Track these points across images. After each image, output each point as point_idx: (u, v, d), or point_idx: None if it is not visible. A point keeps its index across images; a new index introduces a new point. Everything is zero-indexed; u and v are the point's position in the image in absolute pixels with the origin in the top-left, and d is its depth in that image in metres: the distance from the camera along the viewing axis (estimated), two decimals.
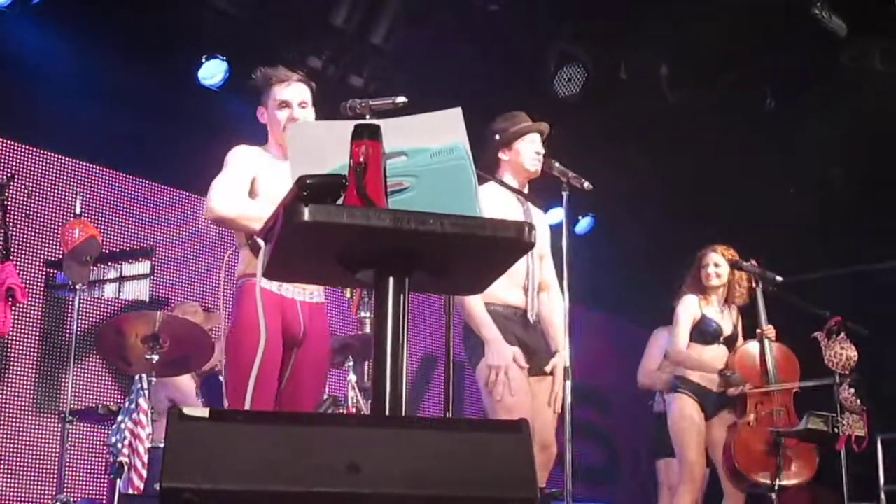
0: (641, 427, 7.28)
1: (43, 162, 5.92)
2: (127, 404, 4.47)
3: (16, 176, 5.16)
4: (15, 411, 5.59)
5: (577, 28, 6.47)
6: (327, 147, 2.07)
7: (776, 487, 5.20)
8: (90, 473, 5.66)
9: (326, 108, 3.58)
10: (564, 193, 4.37)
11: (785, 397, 5.42)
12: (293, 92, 3.74)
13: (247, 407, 2.72)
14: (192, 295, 6.30)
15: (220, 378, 4.03)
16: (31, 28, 5.53)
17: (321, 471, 1.80)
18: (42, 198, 5.81)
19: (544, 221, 4.74)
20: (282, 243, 2.03)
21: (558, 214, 4.66)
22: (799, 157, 7.20)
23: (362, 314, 5.64)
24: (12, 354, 5.60)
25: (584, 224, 7.93)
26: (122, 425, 4.37)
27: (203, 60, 6.00)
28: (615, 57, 6.66)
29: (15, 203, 5.24)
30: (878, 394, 5.79)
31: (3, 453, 5.48)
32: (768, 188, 7.52)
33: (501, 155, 4.55)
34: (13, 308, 4.56)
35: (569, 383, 4.20)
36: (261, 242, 3.45)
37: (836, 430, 5.16)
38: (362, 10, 6.06)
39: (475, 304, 4.29)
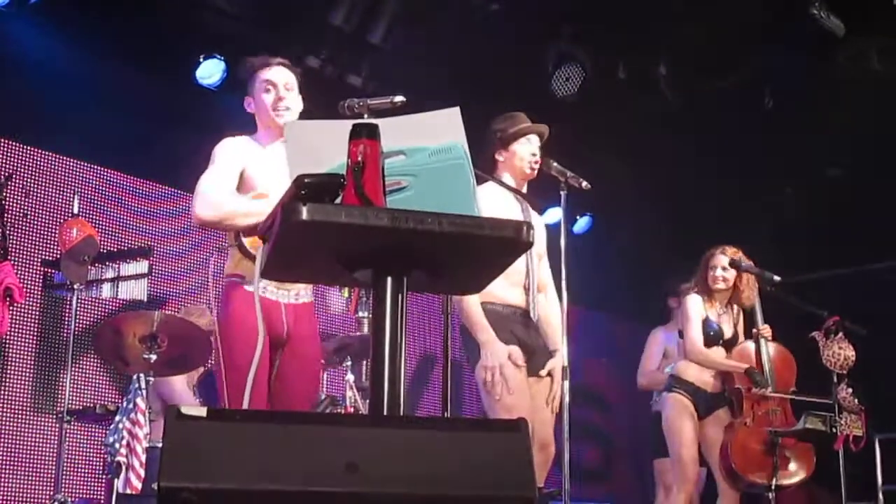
0: (639, 427, 7.28)
1: (41, 161, 5.92)
2: (125, 404, 4.46)
3: (13, 175, 5.15)
4: (12, 411, 5.58)
5: (575, 28, 6.47)
6: (325, 146, 2.07)
7: (773, 487, 5.20)
8: (88, 473, 5.66)
9: (324, 107, 3.57)
10: (562, 193, 4.37)
11: (782, 397, 5.42)
12: (277, 74, 3.73)
13: (245, 408, 2.72)
14: (189, 295, 6.30)
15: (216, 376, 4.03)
16: (29, 28, 5.53)
17: (319, 470, 1.80)
18: (40, 197, 5.81)
19: (541, 222, 4.73)
20: (280, 242, 2.03)
21: (556, 214, 4.66)
22: (797, 157, 7.20)
23: (360, 314, 5.65)
24: (10, 354, 5.60)
25: (582, 224, 7.93)
26: (120, 425, 4.37)
27: (201, 60, 6.00)
28: (613, 57, 6.66)
29: (12, 203, 5.23)
30: (876, 393, 5.78)
31: (0, 453, 5.48)
32: (767, 188, 7.53)
33: (498, 156, 4.55)
34: (11, 308, 4.55)
35: (567, 383, 4.20)
36: (249, 248, 3.48)
37: (833, 430, 5.16)
38: (361, 10, 6.06)
39: (472, 306, 4.29)
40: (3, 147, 5.76)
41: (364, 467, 1.81)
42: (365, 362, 5.60)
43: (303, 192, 1.93)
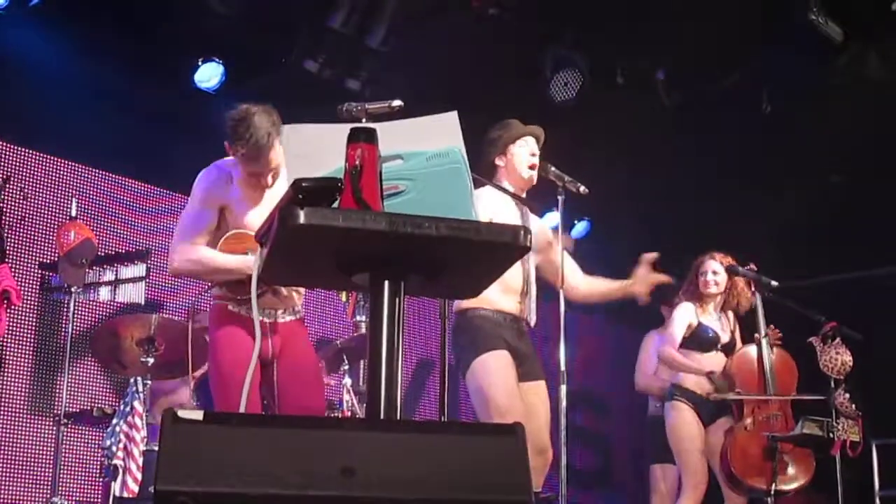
0: (637, 431, 7.27)
1: (38, 164, 5.92)
2: (122, 407, 4.46)
3: (11, 178, 5.15)
4: (9, 414, 5.58)
5: (573, 33, 6.48)
6: (323, 150, 2.07)
7: (773, 493, 5.19)
8: (85, 476, 5.64)
9: (322, 111, 3.57)
10: (560, 198, 4.38)
11: (782, 402, 5.42)
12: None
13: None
14: (187, 298, 6.29)
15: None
16: (28, 30, 5.53)
17: (316, 474, 1.80)
18: (37, 200, 5.80)
19: (546, 225, 4.74)
20: (277, 246, 2.03)
21: (554, 219, 4.66)
22: (796, 162, 7.21)
23: (358, 318, 5.64)
24: (7, 357, 5.59)
25: (579, 228, 7.93)
26: (117, 428, 4.37)
27: (199, 63, 6.00)
28: (611, 62, 6.67)
29: (10, 205, 5.23)
30: (873, 399, 5.78)
31: None
32: (766, 192, 7.53)
33: (497, 161, 4.55)
34: (8, 310, 4.55)
35: (564, 387, 4.20)
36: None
37: (831, 436, 5.15)
38: (360, 14, 6.06)
39: None
40: (1, 149, 5.76)
41: (361, 471, 1.81)
42: (362, 366, 5.60)
43: (300, 195, 1.93)
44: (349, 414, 5.27)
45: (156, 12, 5.65)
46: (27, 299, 5.42)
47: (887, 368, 6.88)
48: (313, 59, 6.25)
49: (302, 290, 3.78)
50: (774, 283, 5.50)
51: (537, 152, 4.54)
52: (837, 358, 5.32)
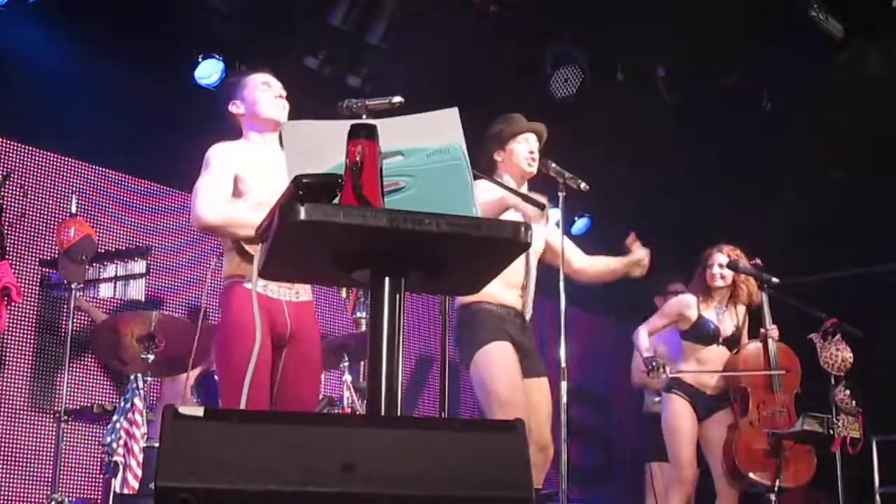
0: (638, 428, 7.27)
1: (39, 161, 5.92)
2: (122, 403, 4.46)
3: (11, 175, 5.15)
4: (10, 410, 5.58)
5: (574, 29, 6.48)
6: (324, 146, 2.07)
7: (776, 489, 5.20)
8: (85, 473, 5.65)
9: (323, 107, 3.57)
10: (561, 194, 4.38)
11: (787, 398, 5.42)
12: (272, 79, 3.74)
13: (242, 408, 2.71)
14: (187, 295, 6.29)
15: (216, 378, 4.03)
16: (28, 27, 5.52)
17: (316, 470, 1.80)
18: (37, 197, 5.81)
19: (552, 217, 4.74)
20: (278, 242, 2.02)
21: (555, 215, 4.66)
22: (796, 158, 7.21)
23: (358, 314, 5.64)
24: (7, 353, 5.60)
25: (580, 225, 7.92)
26: (118, 424, 4.37)
27: (199, 60, 5.99)
28: (612, 58, 6.67)
29: (10, 202, 5.23)
30: (873, 395, 5.78)
31: None
32: (766, 189, 7.53)
33: (496, 156, 4.55)
34: (9, 307, 4.55)
35: (564, 384, 4.20)
36: (248, 249, 3.48)
37: (831, 432, 5.16)
38: (359, 10, 6.06)
39: None
40: (1, 146, 5.76)
41: (361, 467, 1.81)
42: (362, 363, 5.60)
43: (301, 192, 1.93)
44: (349, 410, 5.27)
45: (156, 9, 5.65)
46: (27, 296, 5.42)
47: (888, 365, 6.89)
48: (314, 56, 6.25)
49: None
50: (775, 279, 5.50)
51: (536, 150, 4.53)
52: (838, 354, 5.32)
